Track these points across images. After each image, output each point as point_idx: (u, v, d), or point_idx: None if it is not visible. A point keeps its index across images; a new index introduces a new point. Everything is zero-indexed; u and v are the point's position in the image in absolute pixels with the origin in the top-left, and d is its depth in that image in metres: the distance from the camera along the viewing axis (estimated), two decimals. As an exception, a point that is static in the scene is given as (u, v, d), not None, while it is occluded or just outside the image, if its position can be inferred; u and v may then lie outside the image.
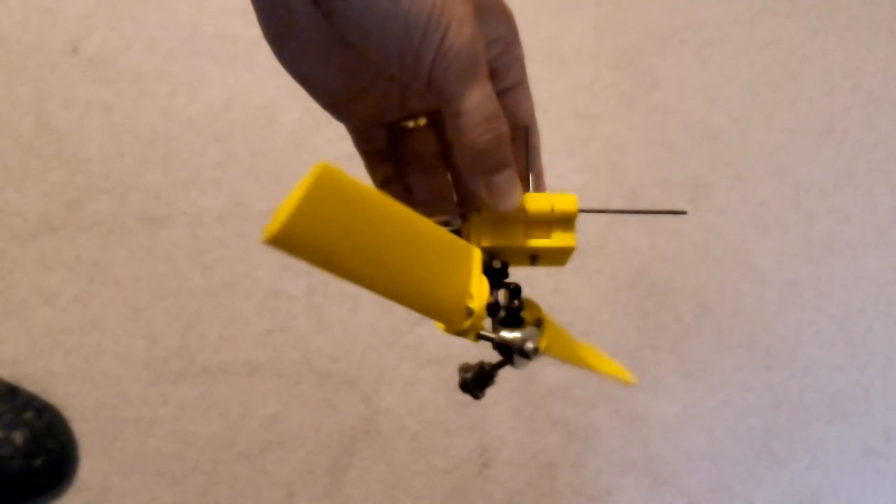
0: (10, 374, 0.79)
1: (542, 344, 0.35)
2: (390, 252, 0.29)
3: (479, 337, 0.34)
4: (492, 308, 0.34)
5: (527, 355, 0.34)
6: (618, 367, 0.42)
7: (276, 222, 0.24)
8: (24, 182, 0.86)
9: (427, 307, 0.31)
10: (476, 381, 0.36)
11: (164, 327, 0.82)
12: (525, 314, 0.36)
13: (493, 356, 0.37)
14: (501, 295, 0.36)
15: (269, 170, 0.89)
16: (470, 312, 0.32)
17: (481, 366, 0.36)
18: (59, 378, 0.80)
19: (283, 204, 0.25)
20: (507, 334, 0.34)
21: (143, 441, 0.79)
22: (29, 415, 0.75)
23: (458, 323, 0.32)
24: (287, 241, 0.25)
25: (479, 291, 0.33)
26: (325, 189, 0.26)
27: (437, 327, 0.34)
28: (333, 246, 0.27)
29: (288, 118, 0.91)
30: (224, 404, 0.80)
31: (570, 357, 0.39)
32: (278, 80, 0.90)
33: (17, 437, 0.74)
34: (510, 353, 0.34)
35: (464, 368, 0.36)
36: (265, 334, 0.83)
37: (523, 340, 0.34)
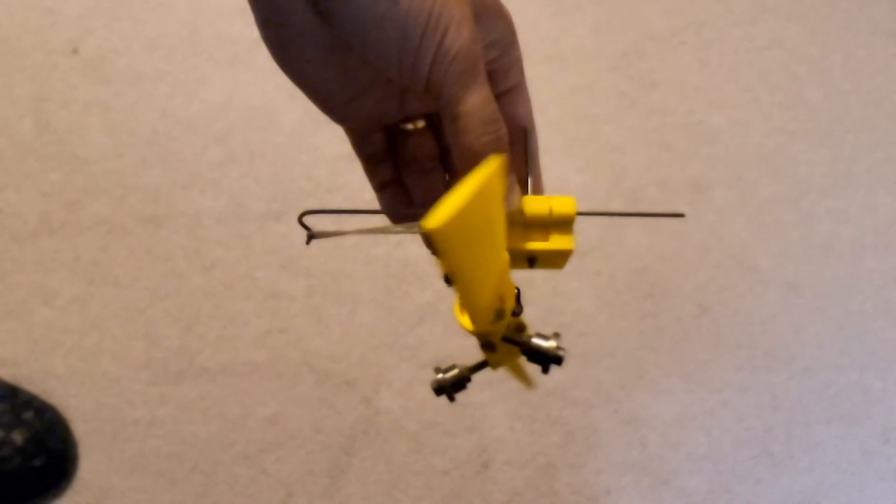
0: (10, 375, 0.79)
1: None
2: (487, 250, 0.29)
3: (507, 340, 0.34)
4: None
5: (559, 362, 0.34)
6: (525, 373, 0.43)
7: (443, 213, 0.23)
8: (24, 182, 0.86)
9: (476, 303, 0.31)
10: (456, 386, 0.37)
11: (164, 328, 0.82)
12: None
13: (475, 357, 0.37)
14: None
15: (269, 170, 0.89)
16: (500, 315, 0.32)
17: (459, 370, 0.37)
18: (59, 378, 0.80)
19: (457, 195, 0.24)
20: (541, 342, 0.34)
21: (142, 441, 0.79)
22: (29, 415, 0.75)
23: (487, 323, 0.32)
24: (446, 237, 0.24)
25: (510, 295, 0.33)
26: (490, 184, 0.26)
27: (462, 326, 0.34)
28: (469, 243, 0.26)
29: (287, 119, 0.91)
30: (223, 405, 0.80)
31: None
32: (277, 81, 0.90)
33: (17, 437, 0.74)
34: (545, 361, 0.34)
35: (439, 370, 0.37)
36: (265, 335, 0.83)
37: (558, 348, 0.34)
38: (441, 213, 0.23)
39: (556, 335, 0.35)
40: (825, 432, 0.85)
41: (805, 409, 0.86)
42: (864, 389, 0.87)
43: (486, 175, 0.24)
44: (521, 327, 0.36)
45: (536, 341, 0.34)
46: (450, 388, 0.37)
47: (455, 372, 0.37)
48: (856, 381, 0.88)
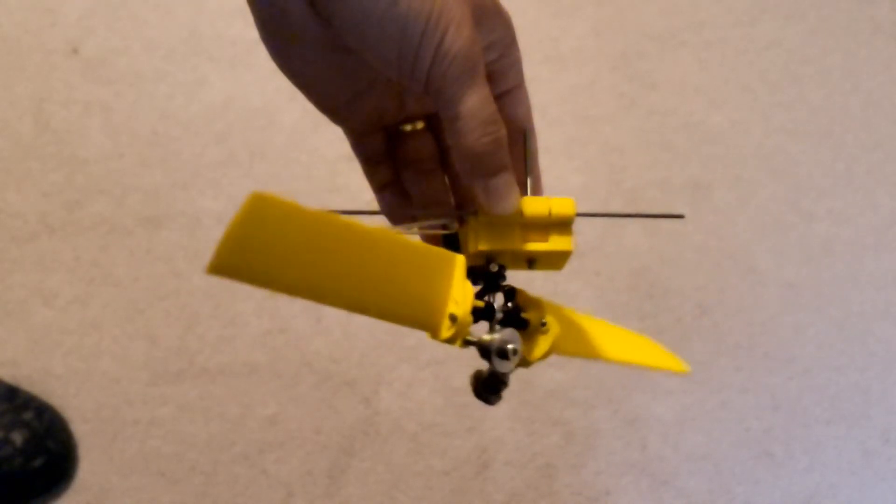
0: (10, 375, 0.79)
1: (544, 346, 0.35)
2: (346, 270, 0.29)
3: (466, 343, 0.34)
4: (483, 312, 0.34)
5: (505, 356, 0.33)
6: (667, 357, 0.41)
7: (213, 253, 0.25)
8: (24, 182, 0.86)
9: (402, 318, 0.31)
10: (487, 387, 0.36)
11: (164, 328, 0.82)
12: (530, 315, 0.35)
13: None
14: (500, 298, 0.36)
15: (269, 171, 0.89)
16: (454, 319, 0.32)
17: (492, 371, 0.36)
18: (59, 378, 0.80)
19: (223, 234, 0.25)
20: (485, 336, 0.34)
21: (142, 441, 0.79)
22: (29, 415, 0.75)
23: (441, 331, 0.32)
24: (226, 271, 0.25)
25: (463, 297, 0.32)
26: (258, 219, 0.26)
27: (427, 335, 0.33)
28: (278, 271, 0.28)
29: (287, 119, 0.91)
30: (223, 405, 0.80)
31: (596, 353, 0.39)
32: (277, 82, 0.90)
33: (17, 437, 0.74)
34: (488, 355, 0.34)
35: (476, 376, 0.36)
36: (264, 335, 0.83)
37: (502, 342, 0.33)
38: (213, 255, 0.25)
39: (513, 330, 0.34)
40: (825, 433, 0.85)
41: (805, 410, 0.86)
42: (863, 390, 0.87)
43: (249, 206, 0.25)
44: (544, 324, 0.36)
45: (483, 336, 0.34)
46: (483, 391, 0.36)
47: (486, 375, 0.36)
48: (856, 381, 0.88)
